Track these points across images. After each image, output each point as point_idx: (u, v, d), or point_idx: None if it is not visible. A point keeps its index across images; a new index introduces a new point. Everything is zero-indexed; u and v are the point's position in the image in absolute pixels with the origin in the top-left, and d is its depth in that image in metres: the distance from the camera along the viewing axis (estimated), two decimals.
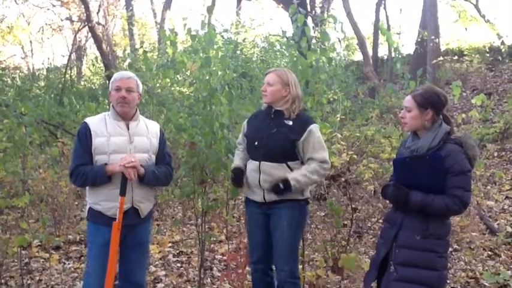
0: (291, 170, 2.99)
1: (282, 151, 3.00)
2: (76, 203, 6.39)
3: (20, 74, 15.37)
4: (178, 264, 4.78)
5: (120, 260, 3.03)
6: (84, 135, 2.84)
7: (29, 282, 4.22)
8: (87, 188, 2.93)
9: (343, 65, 9.27)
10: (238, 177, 3.16)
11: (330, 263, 4.28)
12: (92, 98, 11.33)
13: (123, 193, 2.82)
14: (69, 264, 4.73)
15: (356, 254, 4.20)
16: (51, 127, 7.04)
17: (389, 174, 5.47)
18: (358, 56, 15.52)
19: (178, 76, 7.51)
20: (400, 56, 5.14)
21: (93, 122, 2.91)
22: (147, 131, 3.02)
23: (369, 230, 5.62)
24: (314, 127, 3.02)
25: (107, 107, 11.56)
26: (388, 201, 3.17)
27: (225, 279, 3.97)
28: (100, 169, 2.79)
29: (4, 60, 18.30)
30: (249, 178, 3.11)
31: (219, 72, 5.32)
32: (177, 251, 5.13)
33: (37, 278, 4.32)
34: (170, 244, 5.25)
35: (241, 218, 6.17)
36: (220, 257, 4.98)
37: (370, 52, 12.41)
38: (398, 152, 2.83)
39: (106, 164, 2.81)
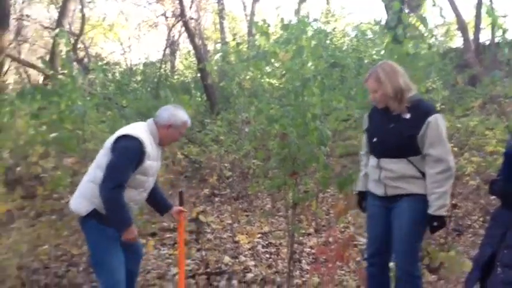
0: (413, 165, 2.78)
1: (399, 147, 2.79)
2: (170, 192, 6.67)
3: (119, 69, 16.32)
4: (267, 255, 4.80)
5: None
6: (138, 155, 2.82)
7: None
8: (94, 190, 2.84)
9: (441, 51, 8.73)
10: (361, 202, 3.15)
11: (426, 262, 4.06)
12: (185, 90, 11.75)
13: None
14: (163, 250, 4.93)
15: (455, 253, 3.96)
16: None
17: (494, 169, 5.09)
18: (456, 43, 14.59)
19: (267, 68, 7.53)
20: (507, 41, 4.72)
21: (147, 143, 2.87)
22: (161, 155, 3.19)
23: (469, 228, 5.26)
24: (433, 119, 2.72)
25: (199, 99, 11.98)
26: (494, 198, 2.93)
27: (314, 272, 3.92)
28: (127, 222, 2.83)
29: (105, 57, 19.54)
30: (370, 174, 3.00)
31: (310, 63, 5.25)
32: (266, 242, 5.16)
33: None
34: (259, 235, 5.29)
35: (330, 212, 6.07)
36: (309, 249, 4.93)
37: (471, 37, 11.59)
38: (509, 145, 2.59)
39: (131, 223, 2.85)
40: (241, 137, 5.75)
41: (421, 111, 2.76)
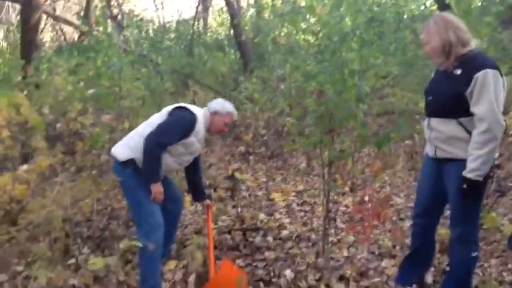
0: (463, 126, 2.60)
1: (449, 106, 2.62)
2: (205, 150, 6.72)
3: (153, 26, 16.22)
4: (302, 213, 4.82)
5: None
6: (188, 128, 3.09)
7: None
8: (137, 143, 3.03)
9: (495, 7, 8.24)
10: None
11: None
12: (218, 48, 11.62)
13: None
14: (199, 206, 5.01)
15: (496, 215, 3.87)
16: (183, 76, 7.39)
17: None
18: None
19: (302, 24, 7.33)
20: None
21: (200, 122, 3.15)
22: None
23: (510, 190, 5.12)
24: (482, 74, 2.47)
25: (233, 56, 11.85)
26: None
27: (350, 231, 3.91)
28: (156, 178, 3.02)
29: (138, 14, 19.43)
30: (425, 133, 2.90)
31: (347, 17, 5.06)
32: (301, 201, 5.17)
33: None
34: (294, 193, 5.30)
35: (366, 171, 6.01)
36: (344, 208, 4.93)
37: None
38: None
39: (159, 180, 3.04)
40: (276, 94, 5.67)
41: (473, 66, 2.54)
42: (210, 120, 3.29)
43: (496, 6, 3.66)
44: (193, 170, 3.49)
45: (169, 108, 3.18)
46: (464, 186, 2.57)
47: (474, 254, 2.79)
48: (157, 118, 3.15)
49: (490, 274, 3.27)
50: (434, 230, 3.00)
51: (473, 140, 2.55)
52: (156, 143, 2.98)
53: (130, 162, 3.05)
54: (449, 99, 2.62)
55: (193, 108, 3.19)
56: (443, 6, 6.52)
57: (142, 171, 3.03)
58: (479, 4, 3.44)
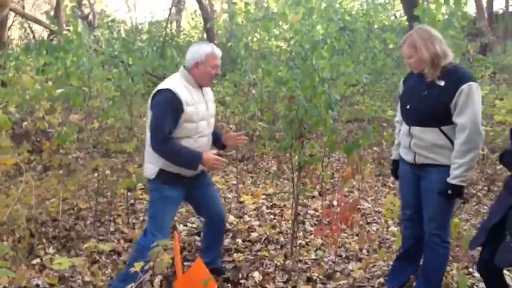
0: (444, 134, 2.74)
1: (433, 115, 2.75)
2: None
3: (125, 27, 16.06)
4: (271, 216, 4.86)
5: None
6: (175, 104, 2.83)
7: (134, 221, 4.53)
8: (151, 153, 2.92)
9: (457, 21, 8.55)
10: (395, 171, 3.22)
11: None
12: None
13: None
14: None
15: (459, 221, 3.99)
16: (155, 78, 7.35)
17: (502, 139, 5.06)
18: (468, 10, 14.25)
19: (275, 30, 7.39)
20: None
21: (180, 90, 2.87)
22: (211, 97, 3.21)
23: (473, 197, 5.30)
24: (467, 87, 2.62)
25: None
26: (500, 168, 2.92)
27: (319, 234, 3.96)
28: (197, 156, 2.87)
29: (109, 14, 19.20)
30: (402, 140, 3.01)
31: (319, 26, 5.14)
32: (270, 204, 5.21)
33: (141, 218, 4.62)
34: (264, 196, 5.34)
35: (335, 175, 6.10)
36: (313, 212, 4.99)
37: (485, 5, 11.33)
38: None
39: (200, 156, 2.87)
40: (247, 98, 5.70)
41: (456, 78, 2.69)
42: (195, 75, 2.98)
43: (459, 20, 3.81)
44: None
45: (150, 98, 2.96)
46: (449, 191, 2.72)
47: (447, 253, 2.95)
48: (148, 114, 2.97)
49: (452, 277, 3.37)
50: (423, 232, 3.08)
51: (456, 149, 2.70)
52: (160, 143, 2.83)
53: (158, 175, 2.97)
54: (435, 109, 2.74)
55: (167, 82, 2.94)
56: (412, 18, 6.70)
57: (169, 178, 2.95)
58: (445, 17, 3.57)
